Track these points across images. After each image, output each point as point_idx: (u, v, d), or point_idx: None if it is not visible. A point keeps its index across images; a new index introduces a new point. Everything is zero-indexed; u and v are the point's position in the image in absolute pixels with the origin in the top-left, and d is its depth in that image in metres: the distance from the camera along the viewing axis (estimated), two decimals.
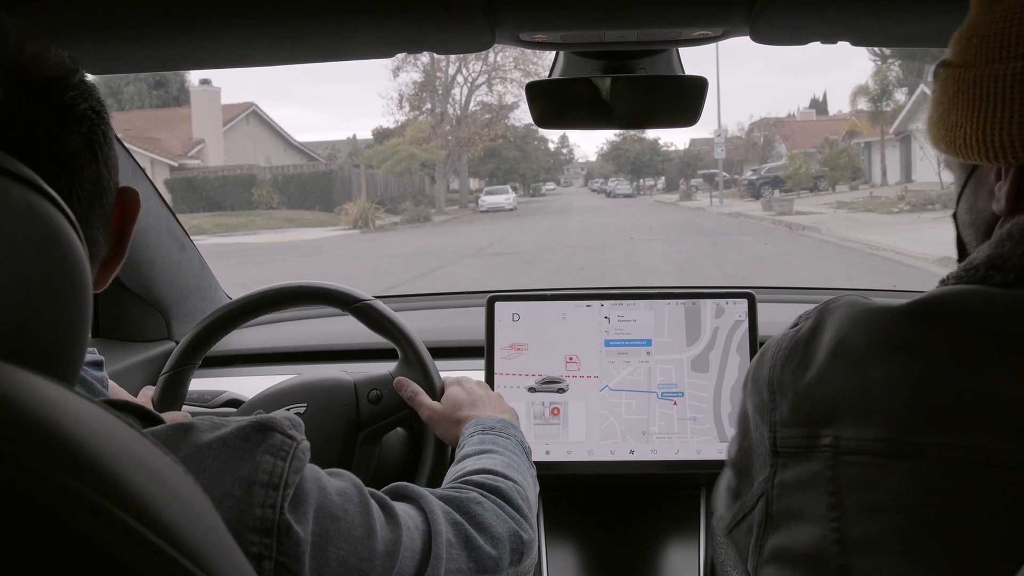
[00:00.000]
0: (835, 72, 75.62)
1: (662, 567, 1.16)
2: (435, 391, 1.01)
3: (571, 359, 1.17)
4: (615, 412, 1.16)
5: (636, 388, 1.16)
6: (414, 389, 0.99)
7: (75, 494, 0.24)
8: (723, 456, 1.14)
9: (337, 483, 0.57)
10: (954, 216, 0.66)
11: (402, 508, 0.63)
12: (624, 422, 1.16)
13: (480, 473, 0.77)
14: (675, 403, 1.15)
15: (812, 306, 0.62)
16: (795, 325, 0.61)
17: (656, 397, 1.16)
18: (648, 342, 1.17)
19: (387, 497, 0.63)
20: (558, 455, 1.16)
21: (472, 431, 0.87)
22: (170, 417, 0.57)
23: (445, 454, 1.01)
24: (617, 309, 1.17)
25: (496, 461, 0.80)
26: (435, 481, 0.99)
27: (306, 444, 0.52)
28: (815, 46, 0.90)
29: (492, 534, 0.69)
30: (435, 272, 10.01)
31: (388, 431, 1.05)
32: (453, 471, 0.80)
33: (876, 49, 20.25)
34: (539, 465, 1.15)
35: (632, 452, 1.15)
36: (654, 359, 1.17)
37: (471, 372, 1.24)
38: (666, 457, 1.14)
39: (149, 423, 0.51)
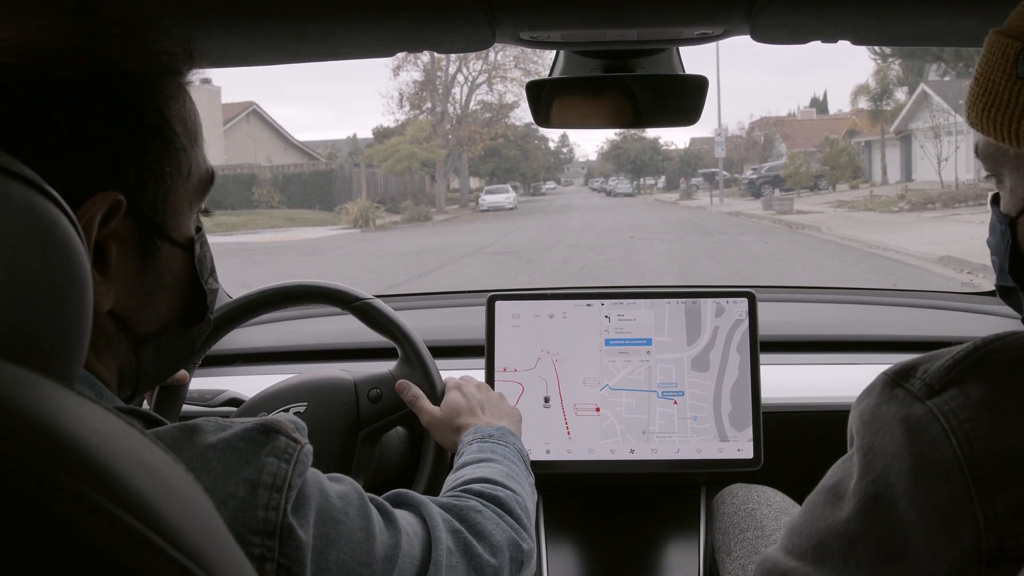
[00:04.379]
0: (835, 71, 75.65)
1: (662, 566, 1.16)
2: (435, 390, 1.01)
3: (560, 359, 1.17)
4: (615, 411, 1.16)
5: (636, 387, 1.16)
6: (415, 393, 0.98)
7: (75, 494, 0.24)
8: (723, 455, 1.15)
9: (338, 487, 0.57)
10: (1013, 223, 0.53)
11: (402, 515, 0.63)
12: (624, 421, 1.16)
13: (479, 482, 0.77)
14: (675, 402, 1.15)
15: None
16: (945, 383, 0.45)
17: (656, 396, 1.16)
18: (648, 341, 1.17)
19: (387, 503, 0.63)
20: (558, 454, 1.16)
21: (471, 439, 0.87)
22: None
23: (445, 454, 1.01)
24: (617, 308, 1.17)
25: (495, 470, 0.80)
26: (435, 481, 0.99)
27: (309, 447, 0.52)
28: (815, 45, 0.89)
29: (492, 543, 0.69)
30: (435, 271, 10.00)
31: (388, 430, 1.05)
32: (451, 479, 0.80)
33: (877, 48, 20.25)
34: (539, 464, 1.16)
35: (632, 451, 1.15)
36: (654, 358, 1.17)
37: (471, 371, 1.24)
38: (666, 456, 1.14)
39: (152, 425, 0.51)
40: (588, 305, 1.18)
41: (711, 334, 1.16)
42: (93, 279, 0.49)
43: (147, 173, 0.51)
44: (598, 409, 1.16)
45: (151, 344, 0.55)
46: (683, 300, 1.17)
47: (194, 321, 0.58)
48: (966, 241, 9.60)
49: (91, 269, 0.49)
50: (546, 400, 1.16)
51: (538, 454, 1.15)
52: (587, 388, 1.16)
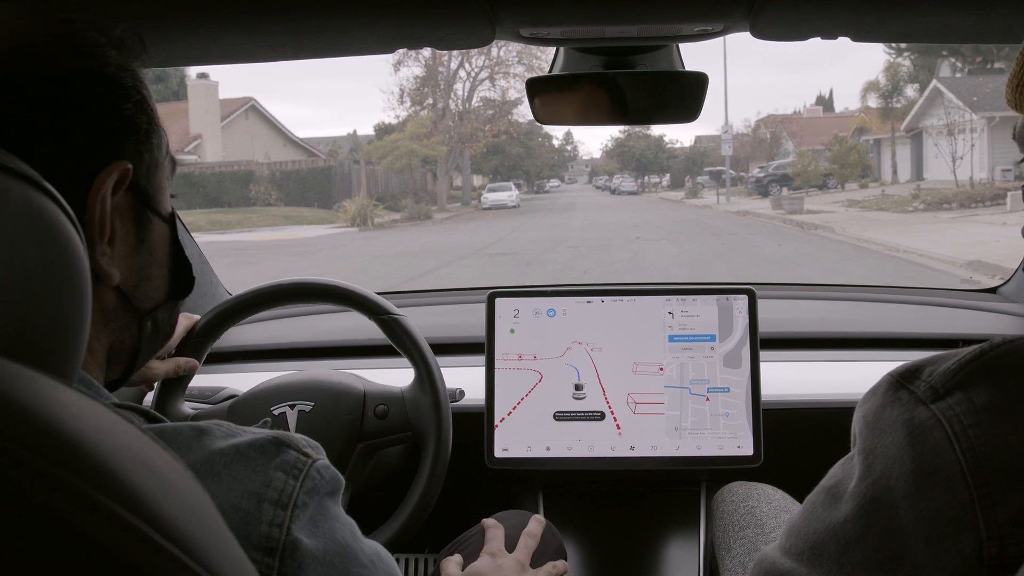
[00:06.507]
0: (839, 69, 75.42)
1: (662, 562, 1.16)
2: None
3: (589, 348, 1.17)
4: (650, 407, 1.15)
5: (668, 384, 1.16)
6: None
7: (74, 491, 0.24)
8: (723, 452, 1.14)
9: (373, 544, 0.54)
10: None
11: None
12: (657, 417, 1.15)
13: None
14: (707, 399, 1.15)
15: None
16: (950, 387, 0.44)
17: (688, 393, 1.16)
18: (712, 337, 1.16)
19: None
20: (558, 451, 1.16)
21: None
22: None
23: (443, 458, 1.01)
24: (681, 305, 1.17)
25: None
26: (433, 484, 0.99)
27: (324, 463, 0.51)
28: (818, 43, 0.89)
29: None
30: (429, 275, 9.62)
31: (387, 447, 1.06)
32: None
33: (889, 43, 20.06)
34: (538, 462, 1.16)
35: (632, 448, 1.15)
36: (685, 355, 1.16)
37: (471, 368, 1.24)
38: (666, 453, 1.14)
39: (153, 423, 0.51)
40: (588, 302, 1.18)
41: (743, 331, 1.16)
42: (104, 253, 0.50)
43: (142, 146, 0.54)
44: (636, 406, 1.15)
45: (150, 319, 0.57)
46: (716, 296, 1.17)
47: (184, 293, 0.60)
48: (993, 243, 8.77)
49: (104, 244, 0.50)
50: (577, 388, 1.16)
51: (538, 451, 1.15)
52: (621, 384, 1.16)
